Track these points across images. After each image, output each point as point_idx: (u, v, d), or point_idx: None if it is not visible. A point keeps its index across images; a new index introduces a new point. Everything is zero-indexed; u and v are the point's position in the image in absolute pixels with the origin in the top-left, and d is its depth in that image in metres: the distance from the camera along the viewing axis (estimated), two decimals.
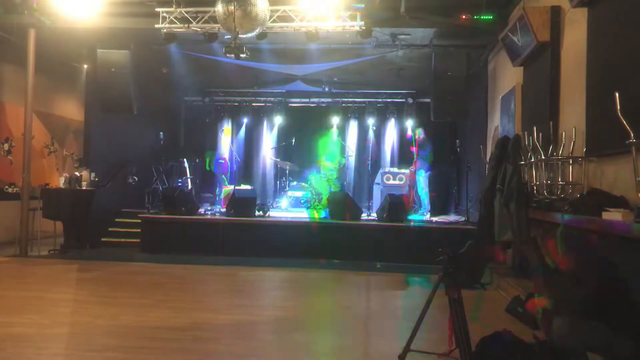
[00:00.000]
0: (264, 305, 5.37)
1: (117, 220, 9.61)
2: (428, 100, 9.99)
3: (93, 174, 9.27)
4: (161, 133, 10.04)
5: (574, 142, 4.61)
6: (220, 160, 11.69)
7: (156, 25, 8.03)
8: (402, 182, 10.67)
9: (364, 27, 7.76)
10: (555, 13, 5.47)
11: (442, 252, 3.41)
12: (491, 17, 7.54)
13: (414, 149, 10.22)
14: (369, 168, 10.45)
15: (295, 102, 12.96)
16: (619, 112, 3.32)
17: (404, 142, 11.89)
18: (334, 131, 12.55)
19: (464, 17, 7.53)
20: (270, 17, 7.58)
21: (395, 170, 11.25)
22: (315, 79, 11.24)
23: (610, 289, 2.63)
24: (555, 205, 4.67)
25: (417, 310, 5.05)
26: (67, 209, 8.55)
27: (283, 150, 12.43)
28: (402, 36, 8.32)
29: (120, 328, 4.34)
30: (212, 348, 3.90)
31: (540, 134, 5.10)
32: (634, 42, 3.75)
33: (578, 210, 4.07)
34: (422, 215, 9.52)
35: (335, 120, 12.59)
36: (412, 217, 9.11)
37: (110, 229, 9.39)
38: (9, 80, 9.29)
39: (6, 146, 9.05)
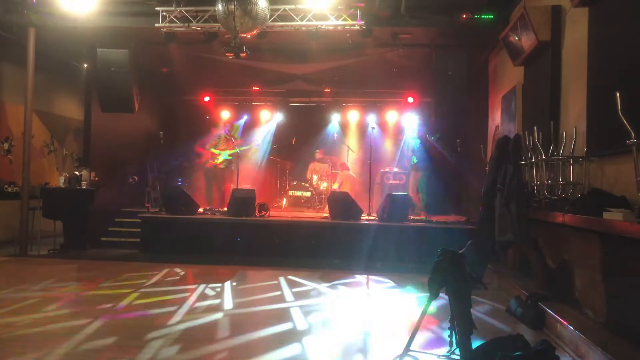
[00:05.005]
0: (263, 306, 5.36)
1: (117, 219, 9.61)
2: (429, 99, 9.98)
3: (93, 174, 9.27)
4: (161, 132, 10.04)
5: (575, 141, 4.60)
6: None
7: (156, 24, 8.02)
8: (402, 182, 10.65)
9: (364, 27, 7.75)
10: (556, 12, 5.46)
11: (441, 252, 3.40)
12: (492, 17, 7.53)
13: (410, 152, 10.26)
14: (369, 168, 10.41)
15: (296, 101, 12.95)
16: (620, 111, 3.31)
17: (404, 142, 11.88)
18: (334, 130, 12.56)
19: (464, 16, 7.52)
20: (271, 16, 7.57)
21: (396, 170, 11.24)
22: (316, 78, 11.22)
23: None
24: (555, 206, 4.66)
25: (417, 311, 5.06)
26: (66, 209, 8.55)
27: (283, 149, 12.43)
28: (403, 35, 8.30)
29: (121, 328, 4.34)
30: (210, 347, 3.89)
31: (541, 134, 5.08)
32: (635, 42, 3.73)
33: (579, 210, 4.06)
34: (419, 214, 9.49)
35: (335, 119, 12.58)
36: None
37: (110, 229, 9.39)
38: (9, 80, 9.29)
39: (6, 145, 9.05)
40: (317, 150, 11.79)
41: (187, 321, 4.59)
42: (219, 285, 6.17)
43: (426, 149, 10.71)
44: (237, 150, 9.85)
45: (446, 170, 11.02)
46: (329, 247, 8.14)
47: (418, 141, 9.93)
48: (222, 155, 9.84)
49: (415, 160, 10.13)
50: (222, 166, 9.91)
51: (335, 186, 11.09)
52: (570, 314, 4.24)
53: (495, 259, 6.94)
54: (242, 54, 7.48)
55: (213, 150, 9.92)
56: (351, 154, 12.06)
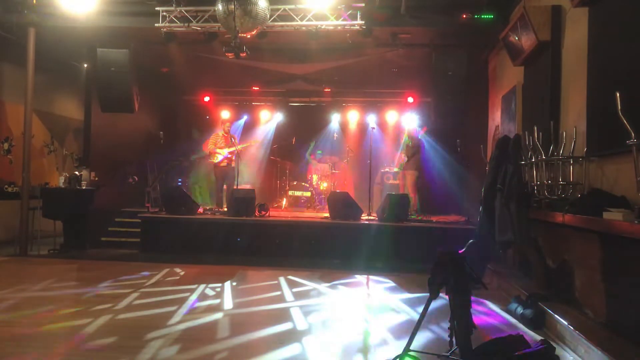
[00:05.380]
0: (263, 306, 5.36)
1: (117, 219, 9.61)
2: (429, 99, 9.97)
3: (93, 173, 9.27)
4: (161, 132, 10.04)
5: (575, 141, 4.60)
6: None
7: (156, 24, 8.03)
8: (402, 182, 10.64)
9: (364, 27, 7.75)
10: (556, 12, 5.46)
11: (441, 253, 3.40)
12: (492, 17, 7.53)
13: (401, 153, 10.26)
14: (369, 167, 10.43)
15: (296, 101, 12.95)
16: (620, 111, 3.31)
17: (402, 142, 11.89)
18: (334, 130, 12.57)
19: (464, 16, 7.52)
20: (271, 16, 7.57)
21: (396, 169, 11.23)
22: (316, 78, 11.23)
23: None
24: (555, 206, 4.66)
25: (417, 311, 5.07)
26: (67, 209, 8.54)
27: (283, 149, 12.44)
28: (403, 35, 8.30)
29: (120, 328, 4.34)
30: (210, 347, 3.89)
31: (541, 134, 5.09)
32: (635, 42, 3.73)
33: (579, 210, 4.06)
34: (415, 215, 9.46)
35: (335, 119, 12.58)
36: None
37: (110, 229, 9.39)
38: (9, 80, 9.28)
39: (6, 145, 9.04)
40: (311, 156, 11.83)
41: (187, 321, 4.59)
42: (219, 285, 6.16)
43: (429, 148, 10.71)
44: (237, 148, 9.85)
45: (446, 170, 11.02)
46: (329, 247, 8.13)
47: (408, 144, 9.93)
48: (222, 154, 9.84)
49: (406, 159, 10.10)
50: (223, 164, 9.91)
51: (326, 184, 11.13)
52: (570, 314, 4.24)
53: (495, 259, 6.94)
54: (242, 54, 7.47)
55: (217, 150, 9.93)
56: (351, 154, 12.06)
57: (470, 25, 7.64)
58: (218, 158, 9.87)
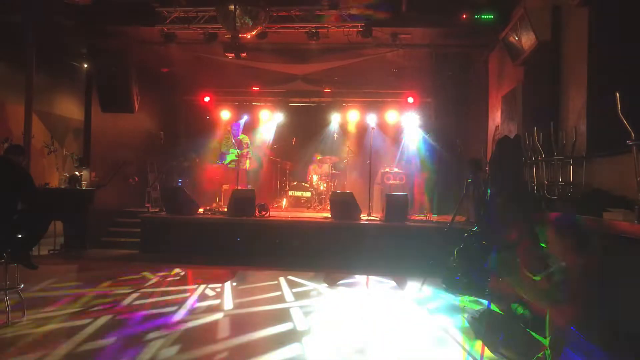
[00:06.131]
0: (263, 306, 5.36)
1: (117, 219, 9.60)
2: (429, 99, 9.98)
3: (93, 173, 9.27)
4: (161, 132, 10.04)
5: (575, 141, 4.60)
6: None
7: (156, 25, 8.03)
8: (402, 182, 10.65)
9: (364, 27, 7.75)
10: (557, 12, 5.46)
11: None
12: (492, 17, 7.53)
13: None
14: (369, 168, 10.44)
15: (296, 101, 12.94)
16: (620, 111, 3.31)
17: (405, 142, 11.88)
18: (334, 130, 12.56)
19: (464, 16, 7.52)
20: (271, 16, 7.57)
21: (396, 170, 11.23)
22: (316, 78, 11.22)
23: None
24: (555, 206, 4.66)
25: (416, 311, 5.07)
26: (67, 209, 8.54)
27: (283, 149, 12.44)
28: (403, 35, 8.30)
29: (120, 328, 4.33)
30: (210, 347, 3.89)
31: (541, 134, 5.09)
32: (634, 42, 3.74)
33: (579, 210, 4.06)
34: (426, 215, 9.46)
35: (335, 119, 12.58)
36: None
37: (110, 229, 9.39)
38: (9, 80, 9.28)
39: (5, 145, 9.03)
40: (316, 154, 11.86)
41: (187, 321, 4.59)
42: (219, 285, 6.16)
43: (429, 149, 10.71)
44: (247, 151, 10.02)
45: (447, 170, 11.02)
46: (329, 247, 8.12)
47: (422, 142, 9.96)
48: (230, 155, 9.97)
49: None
50: (231, 165, 10.03)
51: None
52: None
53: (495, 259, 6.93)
54: (242, 54, 7.48)
55: (232, 150, 10.06)
56: (351, 154, 12.06)
57: (470, 25, 7.64)
58: (227, 159, 10.05)
